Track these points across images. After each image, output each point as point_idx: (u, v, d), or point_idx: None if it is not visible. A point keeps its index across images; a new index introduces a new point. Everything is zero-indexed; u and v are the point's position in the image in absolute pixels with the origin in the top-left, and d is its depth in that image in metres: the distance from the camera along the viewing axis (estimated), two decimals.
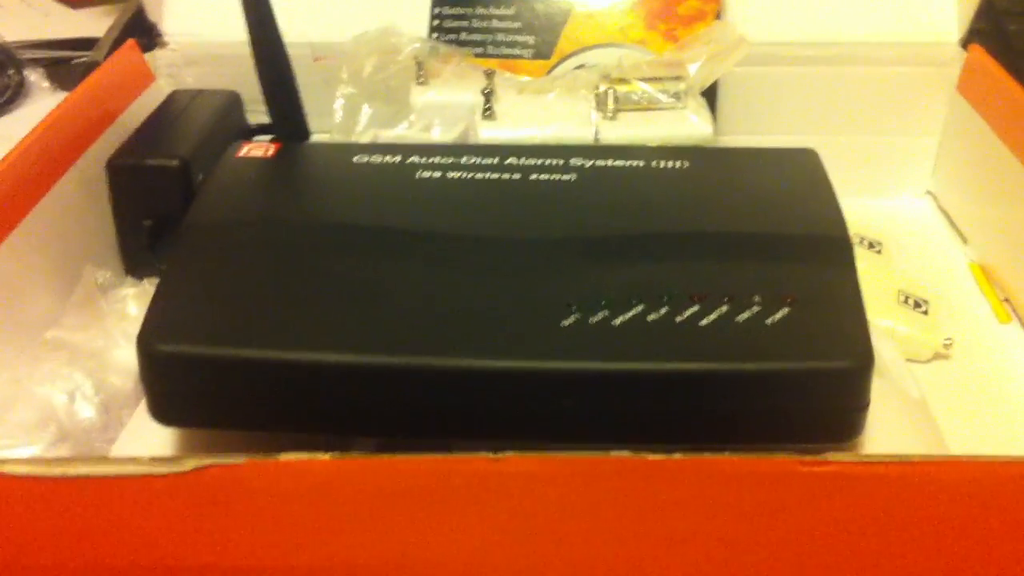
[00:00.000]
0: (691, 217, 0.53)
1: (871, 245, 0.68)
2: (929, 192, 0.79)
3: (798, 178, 0.56)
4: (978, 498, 0.41)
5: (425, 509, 0.42)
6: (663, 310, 0.46)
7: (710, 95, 0.68)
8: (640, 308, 0.46)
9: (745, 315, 0.46)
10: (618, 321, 0.46)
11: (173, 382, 0.46)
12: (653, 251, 0.50)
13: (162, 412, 0.47)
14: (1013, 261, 0.67)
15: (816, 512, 0.41)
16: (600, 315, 0.46)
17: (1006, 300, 0.67)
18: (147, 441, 0.50)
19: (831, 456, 0.40)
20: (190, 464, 0.41)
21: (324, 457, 0.41)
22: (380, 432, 0.47)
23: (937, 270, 0.70)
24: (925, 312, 0.62)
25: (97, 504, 0.42)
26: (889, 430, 0.48)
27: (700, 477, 0.41)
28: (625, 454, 0.40)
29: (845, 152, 0.74)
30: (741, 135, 0.75)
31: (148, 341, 0.46)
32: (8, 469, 0.41)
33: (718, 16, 0.72)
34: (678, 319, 0.46)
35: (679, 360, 0.44)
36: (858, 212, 0.54)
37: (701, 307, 0.46)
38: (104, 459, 0.44)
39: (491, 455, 0.41)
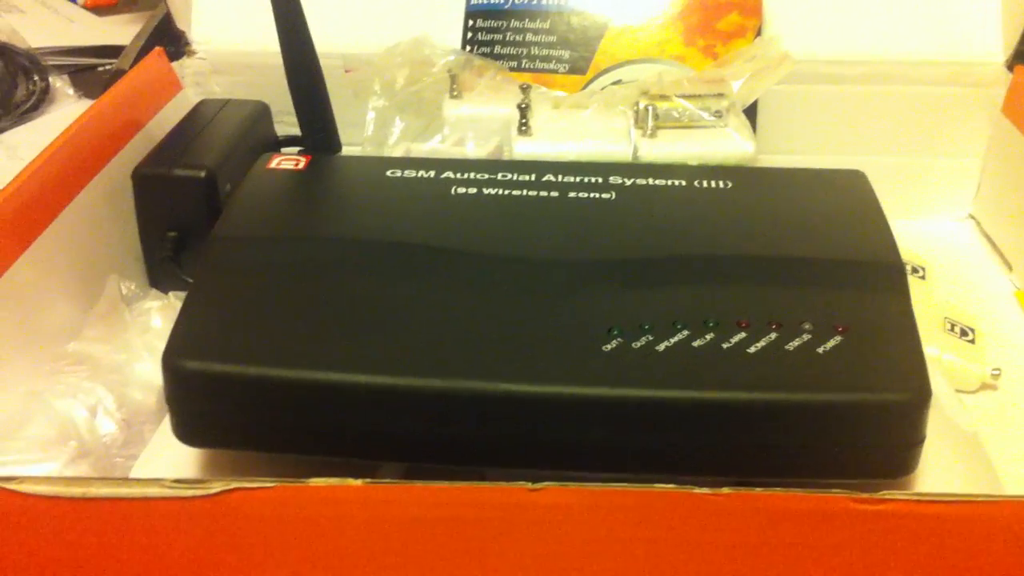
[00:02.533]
0: (736, 239, 0.52)
1: (914, 270, 0.66)
2: (971, 216, 0.77)
3: (847, 201, 0.54)
4: None
5: (459, 540, 0.41)
6: (709, 336, 0.44)
7: (750, 113, 0.67)
8: (685, 333, 0.45)
9: (795, 343, 0.44)
10: (662, 347, 0.44)
11: (199, 401, 0.45)
12: (697, 274, 0.49)
13: (187, 432, 0.46)
14: None
15: (870, 552, 0.40)
16: (643, 340, 0.44)
17: None
18: (170, 460, 0.49)
19: (886, 494, 0.39)
20: (216, 487, 0.39)
21: (356, 483, 0.39)
22: (412, 458, 0.45)
23: (981, 297, 0.68)
24: (972, 340, 0.61)
25: (118, 527, 0.41)
26: (942, 465, 0.47)
27: (749, 513, 0.39)
28: (670, 488, 0.39)
29: (886, 172, 0.72)
30: (780, 154, 0.73)
31: (174, 358, 0.45)
32: (27, 488, 0.40)
33: (758, 32, 0.71)
34: (725, 345, 0.44)
35: (727, 389, 0.43)
36: (899, 235, 0.52)
37: (748, 334, 0.45)
38: (126, 481, 0.43)
39: (529, 485, 0.39)
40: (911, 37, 0.74)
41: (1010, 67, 0.73)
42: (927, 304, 0.63)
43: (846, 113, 0.75)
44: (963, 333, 0.61)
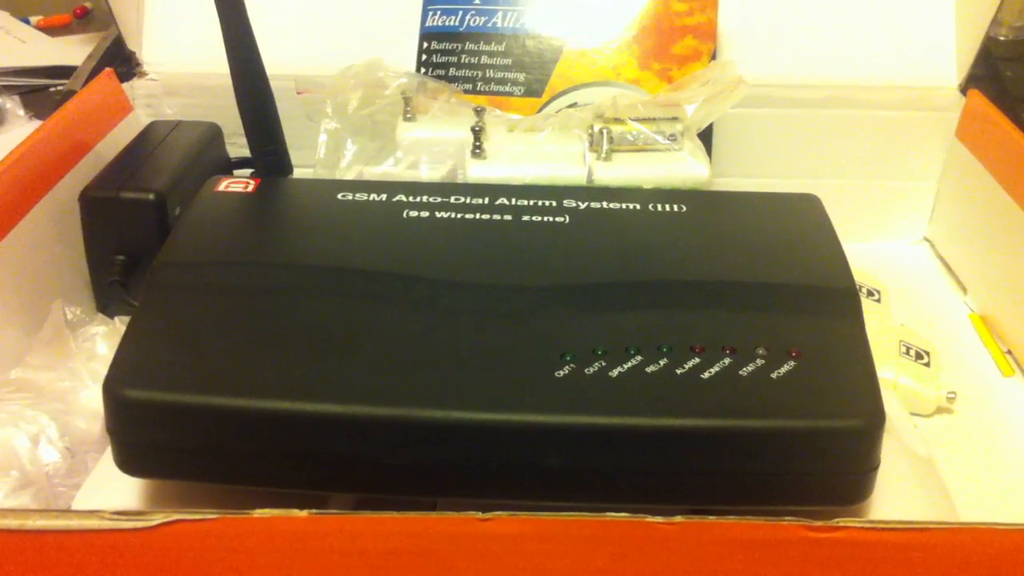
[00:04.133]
0: (690, 264, 0.51)
1: (870, 293, 0.66)
2: (926, 239, 0.78)
3: (801, 225, 0.54)
4: (991, 566, 0.39)
5: (408, 572, 0.40)
6: (663, 361, 0.44)
7: (705, 137, 0.67)
8: (638, 359, 0.44)
9: (749, 368, 0.44)
10: (615, 372, 0.44)
11: (141, 430, 0.44)
12: (651, 299, 0.48)
13: (129, 462, 0.45)
14: (1015, 312, 0.65)
15: None
16: (596, 366, 0.44)
17: (1008, 352, 0.65)
18: (113, 490, 0.48)
19: (840, 521, 0.38)
20: (157, 519, 0.38)
21: (301, 514, 0.39)
22: (360, 488, 0.45)
23: (936, 320, 0.69)
24: (927, 364, 0.60)
25: (58, 560, 0.40)
26: (897, 491, 0.47)
27: (702, 542, 0.39)
28: (623, 516, 0.38)
29: (841, 196, 0.73)
30: (736, 177, 0.73)
31: (115, 386, 0.44)
32: None
33: (713, 56, 0.71)
34: (679, 371, 0.44)
35: (682, 415, 0.42)
36: (854, 257, 0.52)
37: (702, 359, 0.44)
38: (65, 512, 0.42)
39: (479, 515, 0.39)
40: (866, 62, 0.74)
41: (963, 91, 0.73)
42: (882, 327, 0.62)
43: (801, 137, 0.75)
44: (918, 356, 0.61)
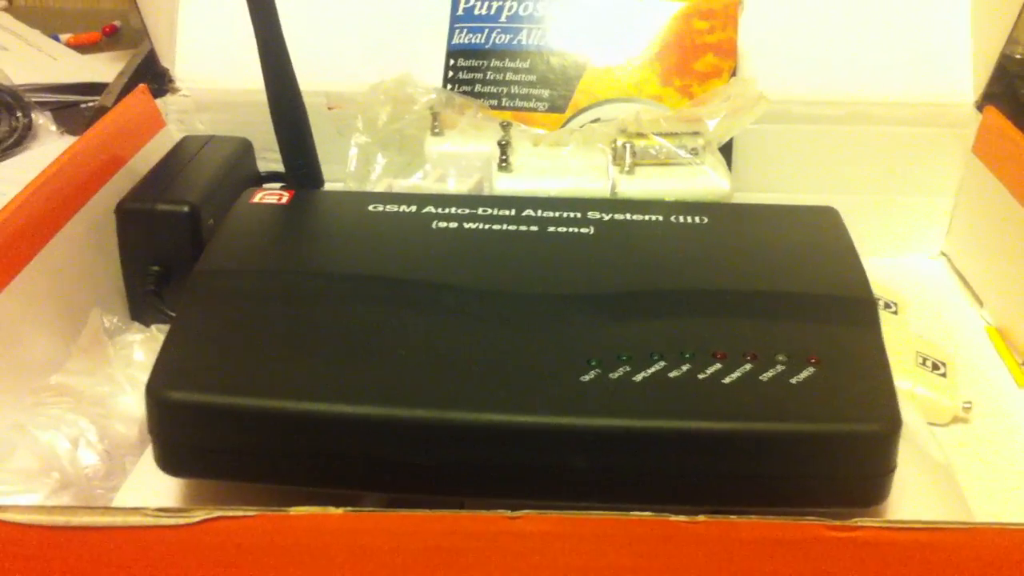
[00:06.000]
0: (711, 274, 0.52)
1: (887, 305, 0.67)
2: (943, 253, 0.79)
3: (819, 236, 0.55)
4: (1008, 566, 0.40)
5: (439, 568, 0.41)
6: (685, 367, 0.45)
7: (726, 151, 0.68)
8: (661, 364, 0.45)
9: (769, 374, 0.45)
10: (639, 377, 0.45)
11: (182, 431, 0.45)
12: (673, 307, 0.49)
13: (170, 462, 0.46)
14: None
15: None
16: (620, 371, 0.45)
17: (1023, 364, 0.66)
18: (151, 491, 0.49)
19: (859, 521, 0.39)
20: (198, 516, 0.39)
21: (336, 512, 0.40)
22: (393, 488, 0.46)
23: (953, 332, 0.70)
24: (943, 375, 0.61)
25: (100, 555, 0.41)
26: (913, 494, 0.47)
27: (724, 541, 0.40)
28: (647, 515, 0.39)
29: (859, 211, 0.74)
30: (755, 192, 0.75)
31: (158, 388, 0.45)
32: (8, 517, 0.40)
33: (734, 73, 0.72)
34: (701, 376, 0.45)
35: (703, 418, 0.43)
36: (872, 271, 0.53)
37: (724, 365, 0.45)
38: (109, 509, 0.43)
39: (508, 513, 0.40)
40: (883, 79, 0.75)
41: (980, 108, 0.74)
42: (900, 339, 0.64)
43: (820, 152, 0.76)
44: (935, 367, 0.62)
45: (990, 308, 0.71)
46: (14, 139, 0.94)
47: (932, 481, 0.50)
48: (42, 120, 0.97)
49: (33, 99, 0.99)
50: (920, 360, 0.62)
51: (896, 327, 0.65)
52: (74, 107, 1.03)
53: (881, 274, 0.66)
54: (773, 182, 0.76)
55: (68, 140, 0.94)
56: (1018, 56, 1.01)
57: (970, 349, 0.68)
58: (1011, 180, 0.69)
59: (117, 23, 1.23)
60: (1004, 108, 0.73)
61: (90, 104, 1.01)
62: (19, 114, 0.95)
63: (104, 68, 1.09)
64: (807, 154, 0.76)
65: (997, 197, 0.70)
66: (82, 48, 1.18)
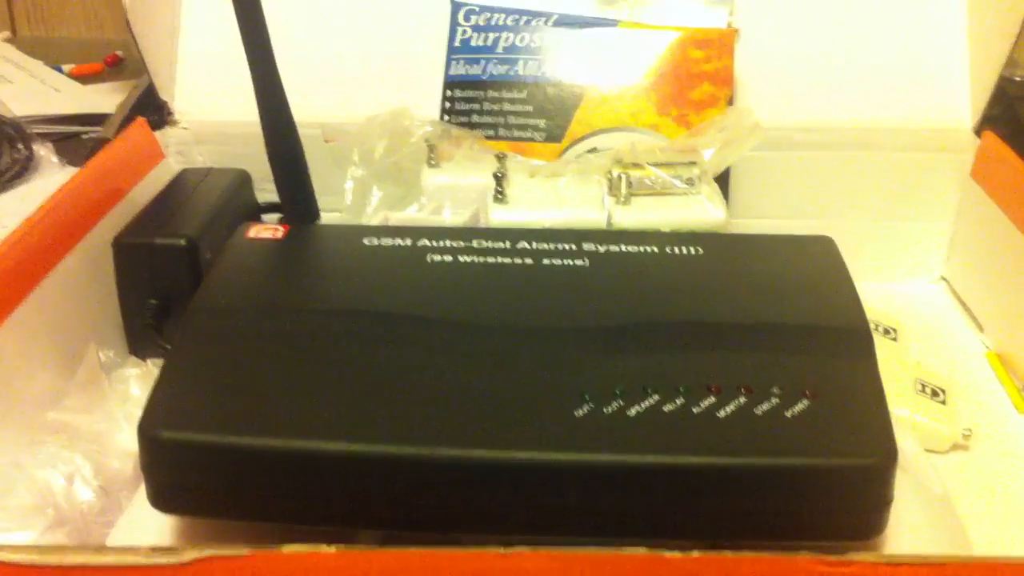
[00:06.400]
0: (706, 306, 0.52)
1: (886, 332, 0.67)
2: (943, 278, 0.78)
3: (815, 267, 0.55)
4: None
5: None
6: (679, 401, 0.45)
7: (722, 179, 0.68)
8: (655, 398, 0.45)
9: (764, 407, 0.45)
10: (633, 412, 0.45)
11: (174, 470, 0.45)
12: (668, 340, 0.49)
13: (162, 500, 0.46)
14: None
15: None
16: (614, 405, 0.45)
17: None
18: (146, 528, 0.49)
19: (853, 556, 0.39)
20: (190, 555, 0.39)
21: (329, 550, 0.40)
22: (387, 525, 0.45)
23: (952, 358, 0.69)
24: (943, 402, 0.61)
25: None
26: (911, 527, 0.47)
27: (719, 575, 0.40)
28: (641, 551, 0.39)
29: (858, 236, 0.74)
30: (753, 219, 0.74)
31: (150, 427, 0.45)
32: (3, 556, 0.40)
33: (730, 101, 0.72)
34: (695, 410, 0.45)
35: (698, 453, 0.43)
36: (871, 297, 0.53)
37: (718, 398, 0.45)
38: (102, 548, 0.43)
39: (501, 550, 0.40)
40: (880, 104, 0.75)
41: (978, 132, 0.74)
42: (899, 365, 0.63)
43: (818, 178, 0.76)
44: (935, 394, 0.62)
45: (990, 333, 0.71)
46: (15, 171, 0.94)
47: (930, 513, 0.49)
48: (44, 152, 0.97)
49: (35, 130, 0.99)
50: (919, 387, 0.62)
51: (895, 354, 0.65)
52: (75, 138, 1.03)
53: (880, 300, 0.66)
54: (771, 209, 0.76)
55: (70, 171, 0.94)
56: (1018, 79, 1.01)
57: (970, 374, 0.67)
58: (1010, 205, 0.69)
59: (120, 53, 1.24)
60: (1003, 130, 0.73)
61: (92, 135, 1.01)
62: (20, 146, 0.96)
63: (106, 99, 1.09)
64: (805, 180, 0.76)
65: (996, 222, 0.70)
66: (85, 78, 1.18)
